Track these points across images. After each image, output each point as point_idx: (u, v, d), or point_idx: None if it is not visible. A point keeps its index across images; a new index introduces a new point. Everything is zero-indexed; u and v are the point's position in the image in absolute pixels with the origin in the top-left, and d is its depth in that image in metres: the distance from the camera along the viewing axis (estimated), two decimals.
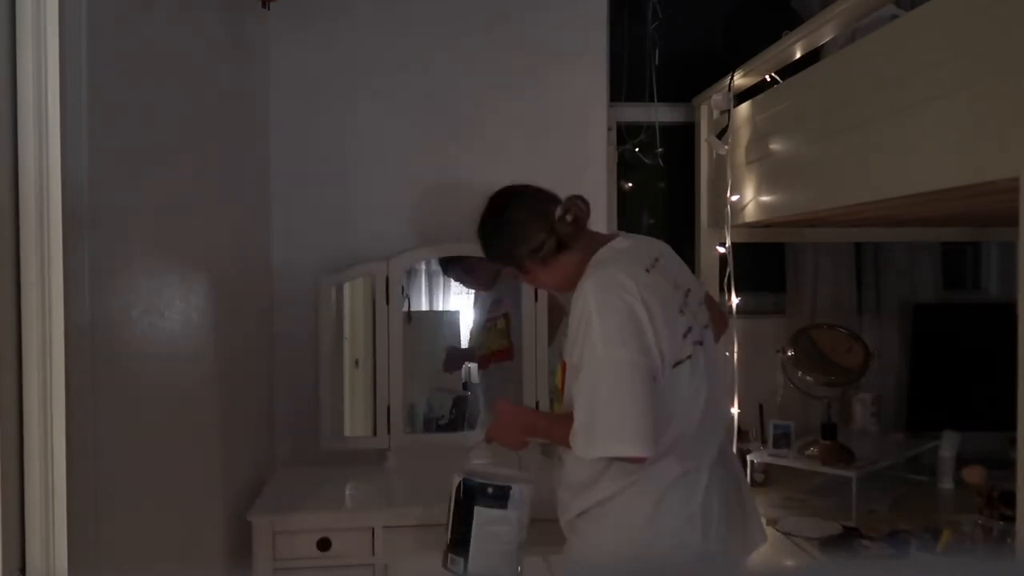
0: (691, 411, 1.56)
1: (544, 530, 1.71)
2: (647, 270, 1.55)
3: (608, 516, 1.58)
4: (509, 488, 1.61)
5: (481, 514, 1.61)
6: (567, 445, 1.53)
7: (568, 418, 1.52)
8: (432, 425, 2.65)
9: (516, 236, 1.63)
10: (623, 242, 1.65)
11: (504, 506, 1.61)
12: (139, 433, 1.39)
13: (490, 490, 1.61)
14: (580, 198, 1.63)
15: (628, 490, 1.55)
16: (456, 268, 2.63)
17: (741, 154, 2.31)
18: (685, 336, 1.54)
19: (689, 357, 1.55)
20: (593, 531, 1.61)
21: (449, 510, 1.65)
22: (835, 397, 2.50)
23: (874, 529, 2.03)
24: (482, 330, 2.66)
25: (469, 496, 1.62)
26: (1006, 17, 1.24)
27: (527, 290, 2.44)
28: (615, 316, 1.46)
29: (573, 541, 1.67)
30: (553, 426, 1.65)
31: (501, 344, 2.61)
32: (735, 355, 2.36)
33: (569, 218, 1.60)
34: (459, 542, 1.63)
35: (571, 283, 1.60)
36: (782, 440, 2.36)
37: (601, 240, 1.65)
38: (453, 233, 2.50)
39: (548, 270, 1.65)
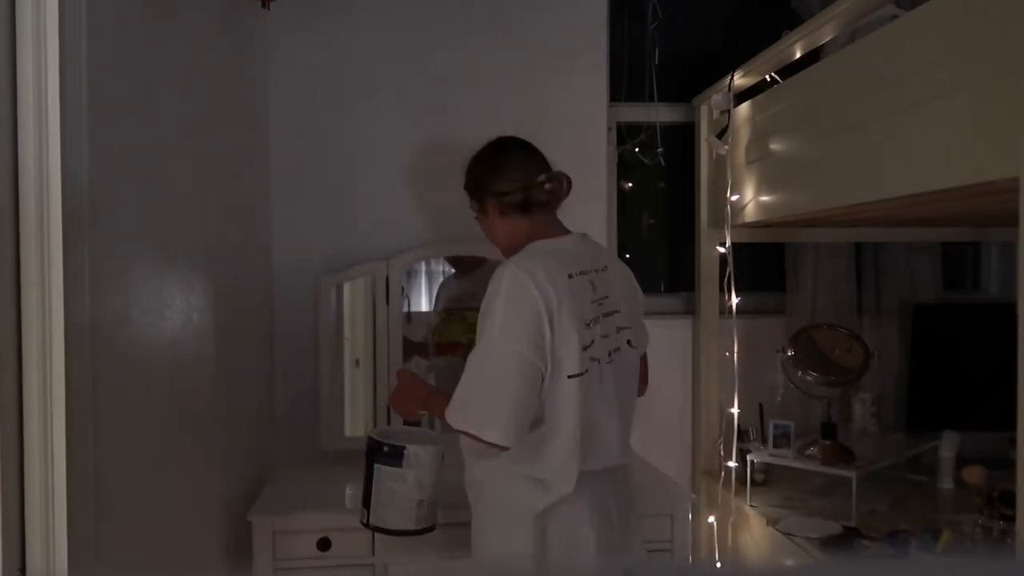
0: (573, 424, 1.55)
1: None
2: (570, 276, 1.56)
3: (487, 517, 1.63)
4: (403, 448, 1.69)
5: (380, 471, 1.70)
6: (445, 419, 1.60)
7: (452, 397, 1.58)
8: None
9: (494, 173, 1.71)
10: (566, 242, 1.67)
11: (399, 465, 1.68)
12: (139, 433, 1.39)
13: (386, 448, 1.69)
14: (566, 179, 1.70)
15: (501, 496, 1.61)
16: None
17: (741, 154, 2.31)
18: (585, 349, 1.54)
19: (585, 372, 1.55)
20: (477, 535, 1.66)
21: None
22: (835, 397, 2.50)
23: (874, 529, 2.03)
24: (445, 318, 2.62)
25: (371, 453, 1.71)
26: (1006, 17, 1.24)
27: None
28: (519, 308, 1.50)
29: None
30: (441, 402, 1.66)
31: (464, 338, 2.49)
32: (735, 355, 2.36)
33: (548, 187, 1.67)
34: (366, 495, 1.71)
35: (507, 249, 1.68)
36: (782, 440, 2.36)
37: (551, 232, 1.67)
38: (453, 233, 2.50)
39: (501, 222, 1.70)
